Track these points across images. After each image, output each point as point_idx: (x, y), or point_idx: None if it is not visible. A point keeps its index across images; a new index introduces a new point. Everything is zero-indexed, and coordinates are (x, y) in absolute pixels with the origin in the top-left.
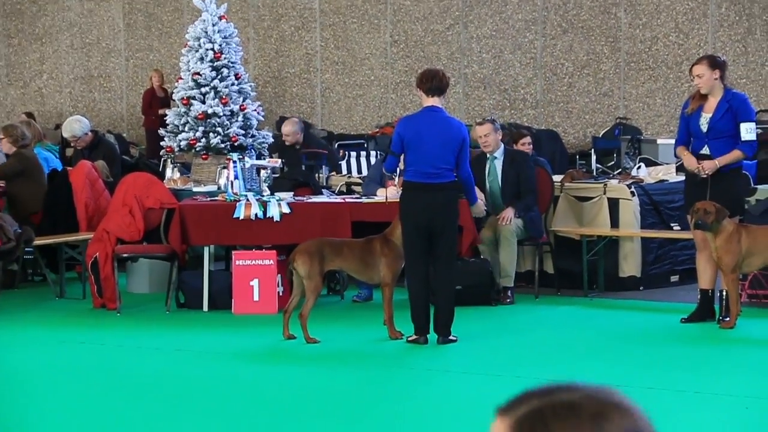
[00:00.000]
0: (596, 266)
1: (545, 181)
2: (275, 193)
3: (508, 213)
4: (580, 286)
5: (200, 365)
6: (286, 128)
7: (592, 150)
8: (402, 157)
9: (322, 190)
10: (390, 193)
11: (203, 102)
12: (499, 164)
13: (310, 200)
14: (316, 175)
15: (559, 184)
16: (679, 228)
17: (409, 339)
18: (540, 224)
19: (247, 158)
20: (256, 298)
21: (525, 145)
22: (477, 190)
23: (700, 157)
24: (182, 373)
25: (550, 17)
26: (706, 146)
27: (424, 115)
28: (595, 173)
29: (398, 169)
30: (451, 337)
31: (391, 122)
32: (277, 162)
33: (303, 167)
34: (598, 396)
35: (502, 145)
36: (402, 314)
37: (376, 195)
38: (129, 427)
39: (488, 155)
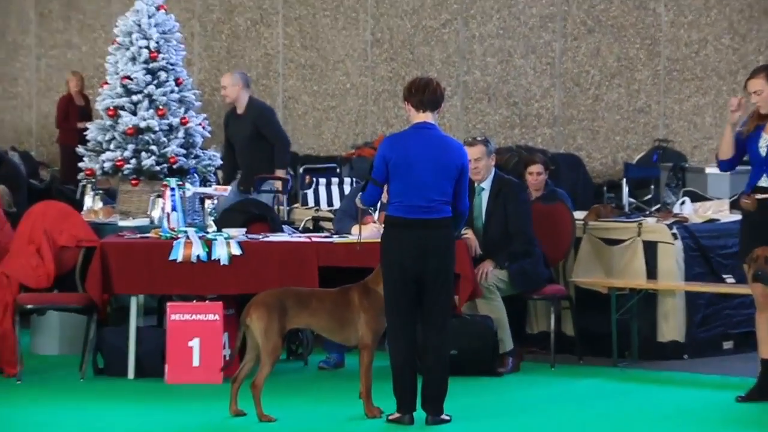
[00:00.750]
0: (628, 328)
1: (564, 218)
2: (223, 230)
3: (484, 266)
4: (608, 352)
5: None
6: (224, 80)
7: (624, 180)
8: (385, 187)
9: (283, 226)
10: (367, 231)
11: (134, 113)
12: (484, 197)
13: (267, 239)
14: (276, 207)
15: (582, 222)
16: (733, 281)
17: (390, 418)
18: (539, 272)
19: (188, 185)
20: (195, 363)
21: (533, 174)
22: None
23: (759, 190)
24: None
25: (571, 12)
26: (765, 175)
27: (413, 133)
28: (627, 209)
29: (380, 203)
30: (443, 416)
31: (370, 142)
32: (226, 190)
33: (258, 193)
34: None
35: (493, 172)
36: (382, 386)
37: (350, 233)
38: None
39: (476, 185)
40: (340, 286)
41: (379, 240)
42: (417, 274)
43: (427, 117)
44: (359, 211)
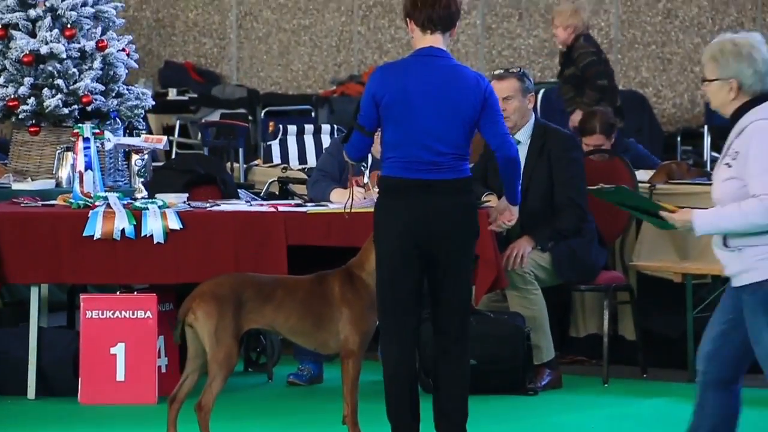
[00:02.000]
0: None
1: (623, 180)
2: (157, 196)
3: (520, 247)
4: (682, 363)
5: None
6: None
7: (705, 128)
8: (378, 136)
9: (239, 190)
10: (355, 196)
11: (32, 34)
12: (522, 153)
13: (217, 208)
14: (229, 163)
15: (647, 185)
16: None
17: None
18: (592, 256)
19: (108, 134)
20: (120, 377)
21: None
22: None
23: None
24: None
25: None
26: None
27: (414, 63)
28: (709, 168)
29: (369, 157)
30: None
31: (357, 75)
32: (162, 141)
33: (205, 150)
34: None
35: (532, 119)
36: (373, 406)
37: (330, 200)
38: None
39: None
40: (316, 273)
41: (371, 209)
42: (423, 253)
43: (435, 41)
44: (350, 168)
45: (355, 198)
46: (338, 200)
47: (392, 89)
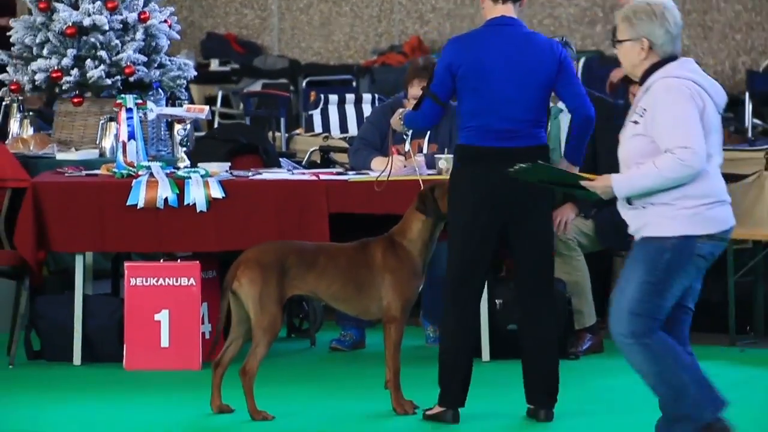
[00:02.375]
0: (751, 294)
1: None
2: (199, 165)
3: (564, 213)
4: (724, 327)
5: None
6: None
7: (747, 95)
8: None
9: (280, 159)
10: (395, 165)
11: (75, 6)
12: (564, 121)
13: (259, 177)
14: (270, 133)
15: None
16: None
17: (429, 413)
18: None
19: (151, 104)
20: (164, 343)
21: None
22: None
23: None
24: None
25: None
26: None
27: (488, 33)
28: (750, 134)
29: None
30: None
31: (398, 45)
32: (202, 111)
33: (247, 120)
34: None
35: None
36: (414, 371)
37: (371, 169)
38: None
39: (551, 104)
40: (358, 240)
41: (412, 177)
42: (502, 225)
43: (507, 10)
44: (390, 136)
45: (395, 167)
46: (379, 168)
47: (468, 59)
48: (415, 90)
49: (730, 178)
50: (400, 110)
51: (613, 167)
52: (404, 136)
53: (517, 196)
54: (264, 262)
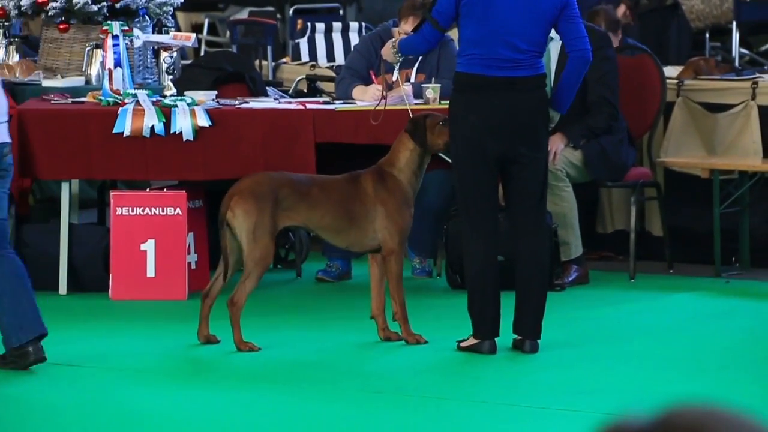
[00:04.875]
0: (737, 225)
1: (650, 75)
2: (186, 93)
3: (553, 144)
4: (709, 258)
5: (57, 388)
6: None
7: (734, 24)
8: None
9: (267, 88)
10: (368, 95)
11: None
12: (554, 49)
13: (245, 105)
14: (257, 61)
15: (675, 81)
16: None
17: (463, 345)
18: (622, 155)
19: (137, 31)
20: (150, 273)
21: (625, 15)
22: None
23: None
24: (27, 398)
25: None
26: None
27: None
28: (737, 63)
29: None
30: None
31: None
32: (189, 39)
33: (234, 48)
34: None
35: None
36: (409, 302)
37: (352, 98)
38: None
39: None
40: (349, 173)
41: (401, 107)
42: (502, 153)
43: None
44: (381, 64)
45: (373, 96)
46: (359, 97)
47: None
48: (408, 26)
49: (716, 108)
50: (392, 40)
51: (602, 96)
52: (395, 66)
53: (519, 124)
54: (258, 192)
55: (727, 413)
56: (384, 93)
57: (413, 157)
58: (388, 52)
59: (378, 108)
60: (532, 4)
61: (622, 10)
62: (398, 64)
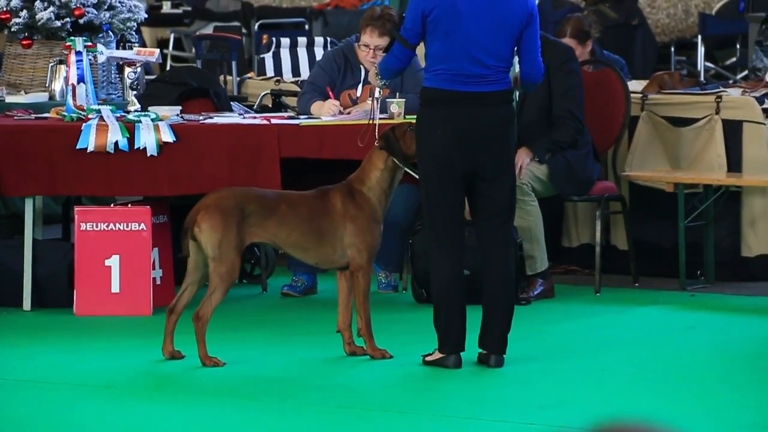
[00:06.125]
0: (702, 238)
1: (614, 89)
2: (150, 109)
3: (519, 158)
4: (674, 272)
5: (21, 404)
6: None
7: (699, 38)
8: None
9: (232, 103)
10: (326, 109)
11: None
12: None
13: (210, 121)
14: (222, 76)
15: (640, 96)
16: None
17: (429, 359)
18: (588, 169)
19: (101, 46)
20: (115, 288)
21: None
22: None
23: None
24: None
25: None
26: None
27: None
28: (702, 77)
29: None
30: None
31: None
32: (153, 54)
33: (198, 63)
34: None
35: None
36: (387, 317)
37: (311, 113)
38: None
39: None
40: (317, 188)
41: (363, 122)
42: (469, 168)
43: None
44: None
45: (329, 111)
46: (317, 113)
47: (441, 2)
48: (367, 37)
49: (680, 122)
50: (375, 64)
51: (567, 110)
52: (378, 88)
53: (486, 138)
54: (225, 207)
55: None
56: (372, 109)
57: (384, 176)
58: (372, 78)
59: (363, 122)
60: (498, 20)
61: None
62: (382, 87)
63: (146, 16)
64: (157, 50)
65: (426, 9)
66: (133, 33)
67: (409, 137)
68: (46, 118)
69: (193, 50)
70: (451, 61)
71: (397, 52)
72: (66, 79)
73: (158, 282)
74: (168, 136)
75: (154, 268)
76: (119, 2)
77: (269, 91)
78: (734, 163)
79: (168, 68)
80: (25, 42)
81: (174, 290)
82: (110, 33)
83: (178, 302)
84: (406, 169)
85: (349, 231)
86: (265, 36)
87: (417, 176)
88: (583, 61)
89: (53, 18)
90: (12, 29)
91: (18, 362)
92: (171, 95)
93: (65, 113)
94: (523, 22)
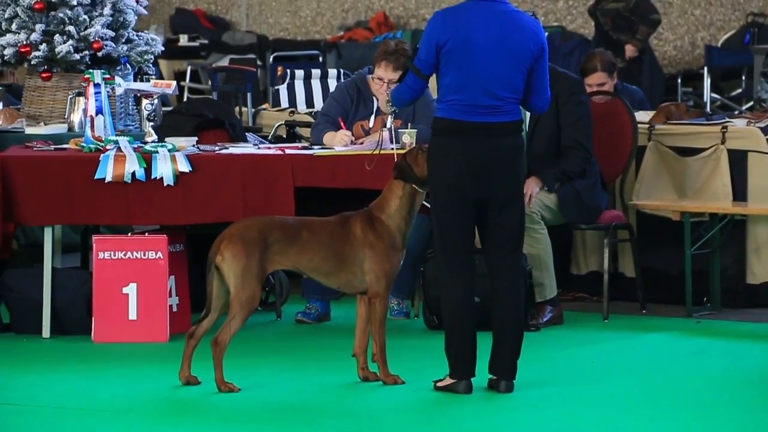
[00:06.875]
0: (708, 266)
1: (621, 120)
2: (167, 139)
3: (529, 187)
4: (681, 299)
5: (41, 429)
6: None
7: (705, 69)
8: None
9: (247, 134)
10: (338, 139)
11: None
12: None
13: (225, 151)
14: (237, 108)
15: (647, 126)
16: None
17: (440, 384)
18: (596, 198)
19: (119, 79)
20: (132, 315)
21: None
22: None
23: None
24: None
25: None
26: None
27: (474, 7)
28: (708, 108)
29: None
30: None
31: (365, 21)
32: (171, 86)
33: (214, 95)
34: None
35: None
36: (399, 343)
37: (323, 144)
38: None
39: None
40: (338, 215)
41: (375, 152)
42: (480, 196)
43: None
44: (382, 110)
45: (341, 141)
46: (329, 143)
47: (455, 34)
48: (381, 71)
49: (687, 152)
50: (387, 91)
51: (575, 140)
52: (389, 116)
53: (496, 168)
54: (247, 237)
55: None
56: (380, 139)
57: (403, 203)
58: (383, 105)
59: (374, 152)
60: (511, 53)
61: (600, 79)
62: (392, 114)
63: (163, 49)
64: (174, 82)
65: (441, 40)
66: (151, 65)
67: (421, 159)
68: (65, 149)
69: (210, 82)
70: (465, 92)
71: (411, 82)
72: (84, 110)
73: (175, 309)
74: (184, 167)
75: (170, 296)
76: (137, 35)
77: (283, 122)
78: (739, 192)
79: (185, 100)
80: (44, 75)
81: (190, 317)
82: (128, 66)
83: (198, 328)
84: (423, 191)
85: (368, 258)
86: (279, 68)
87: (429, 205)
88: (606, 92)
89: (72, 51)
90: (32, 62)
91: (38, 389)
92: (187, 126)
93: (84, 144)
94: (535, 55)
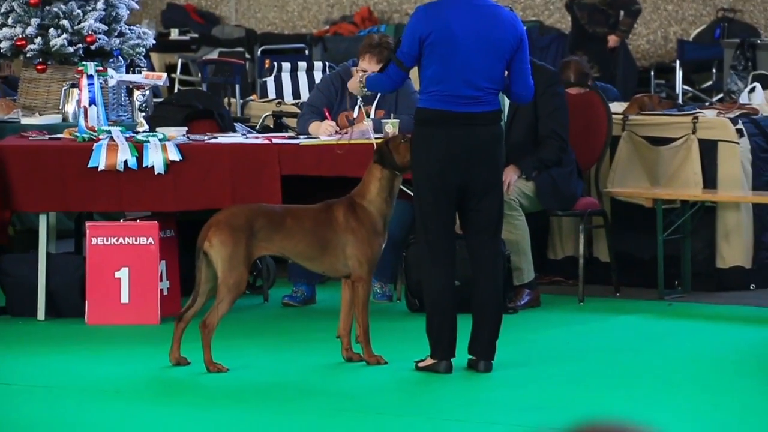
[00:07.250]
0: (679, 251)
1: (596, 111)
2: (158, 129)
3: (507, 175)
4: (653, 282)
5: (36, 408)
6: None
7: (677, 62)
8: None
9: (235, 124)
10: (323, 129)
11: None
12: None
13: (214, 140)
14: (226, 99)
15: (621, 117)
16: None
17: (421, 365)
18: (572, 186)
19: (111, 71)
20: (124, 299)
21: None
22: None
23: None
24: (6, 418)
25: None
26: None
27: (456, 3)
28: (680, 100)
29: (360, 97)
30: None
31: (349, 15)
32: (160, 78)
33: (204, 86)
34: None
35: None
36: (382, 325)
37: (308, 133)
38: None
39: None
40: (322, 202)
41: (364, 141)
42: (461, 184)
43: None
44: (347, 96)
45: (325, 131)
46: (314, 132)
47: (437, 28)
48: (365, 64)
49: (659, 141)
50: (360, 74)
51: (552, 130)
52: (359, 97)
53: (477, 156)
54: (234, 224)
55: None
56: (348, 130)
57: (382, 186)
58: (354, 85)
59: (342, 141)
60: (491, 45)
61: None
62: (362, 97)
63: (155, 42)
64: (165, 74)
65: (423, 34)
66: (142, 58)
67: (403, 148)
68: (59, 138)
69: (199, 74)
70: (446, 83)
71: (392, 74)
72: (78, 101)
73: (165, 293)
74: (175, 155)
75: (161, 280)
76: (129, 29)
77: (271, 113)
78: (710, 179)
79: (175, 91)
80: (39, 67)
81: (180, 301)
82: (120, 58)
83: (187, 312)
84: (401, 175)
85: (350, 243)
86: (267, 61)
87: (411, 192)
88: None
89: (66, 44)
90: (27, 55)
91: (32, 369)
92: (178, 117)
93: (77, 134)
94: (514, 47)
